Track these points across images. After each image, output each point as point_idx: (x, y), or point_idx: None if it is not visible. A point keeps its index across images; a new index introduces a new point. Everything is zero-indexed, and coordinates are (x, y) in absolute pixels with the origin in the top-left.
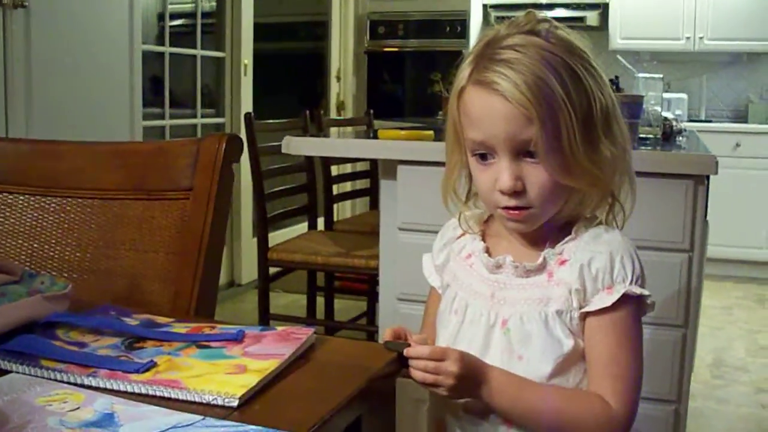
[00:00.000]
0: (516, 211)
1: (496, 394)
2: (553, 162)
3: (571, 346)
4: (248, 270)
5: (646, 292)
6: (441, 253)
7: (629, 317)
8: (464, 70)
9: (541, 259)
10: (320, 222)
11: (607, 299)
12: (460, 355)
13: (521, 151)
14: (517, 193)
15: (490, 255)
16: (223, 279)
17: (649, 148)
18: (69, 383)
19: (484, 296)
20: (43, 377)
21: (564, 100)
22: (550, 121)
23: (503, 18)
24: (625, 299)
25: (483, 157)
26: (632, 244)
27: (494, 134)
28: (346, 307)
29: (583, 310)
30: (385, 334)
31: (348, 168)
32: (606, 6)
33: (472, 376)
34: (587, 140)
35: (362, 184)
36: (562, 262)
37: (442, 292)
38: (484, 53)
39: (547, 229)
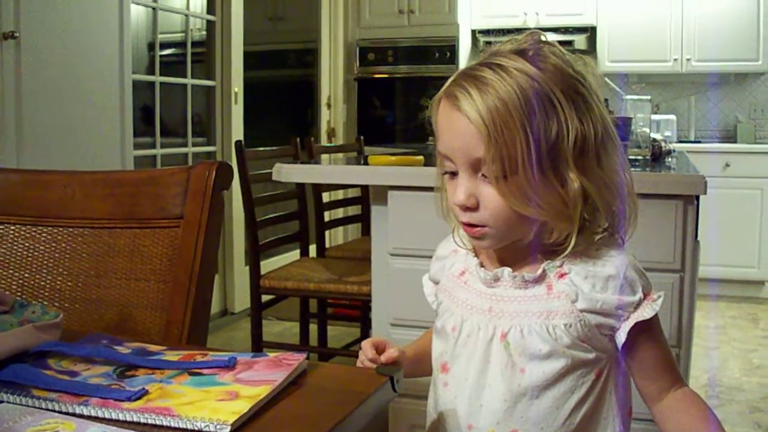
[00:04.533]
0: (470, 228)
1: None
2: (505, 188)
3: (574, 358)
4: (241, 298)
5: (655, 296)
6: (433, 268)
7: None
8: (449, 80)
9: (540, 271)
10: (312, 249)
11: (636, 314)
12: None
13: (478, 169)
14: (470, 209)
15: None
16: (216, 308)
17: (639, 169)
18: (60, 412)
19: (480, 310)
20: (35, 407)
21: (525, 127)
22: (505, 146)
23: (491, 43)
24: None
25: (453, 174)
26: (632, 257)
27: (452, 148)
28: (340, 334)
29: (621, 327)
30: (364, 347)
31: (339, 194)
32: (594, 30)
33: None
34: (551, 170)
35: (354, 210)
36: (562, 275)
37: (436, 308)
38: (469, 66)
39: (537, 247)
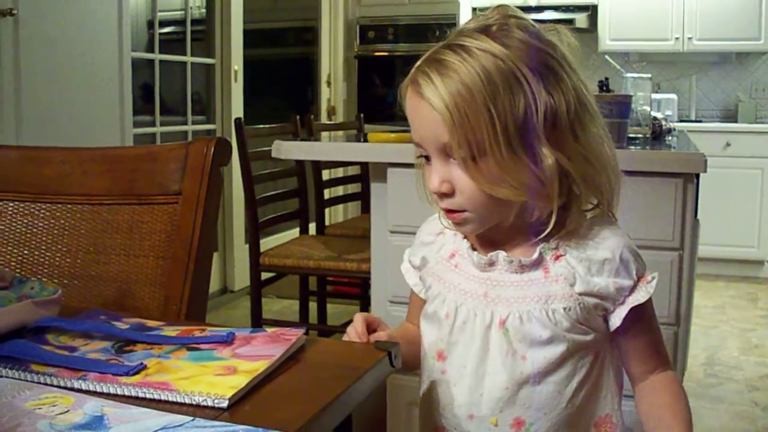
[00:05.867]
0: (451, 213)
1: None
2: (475, 171)
3: (574, 341)
4: (241, 276)
5: (649, 277)
6: (417, 254)
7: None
8: (415, 65)
9: (537, 254)
10: (312, 227)
11: (631, 299)
12: None
13: (449, 155)
14: (446, 195)
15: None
16: (215, 285)
17: (639, 147)
18: (59, 387)
19: (475, 296)
20: (33, 381)
21: (490, 109)
22: (471, 129)
23: None
24: (641, 291)
25: (428, 158)
26: (627, 234)
27: (421, 134)
28: (339, 312)
29: (615, 311)
30: (356, 319)
31: (339, 172)
32: (595, 8)
33: None
34: (522, 148)
35: (354, 188)
36: (558, 257)
37: (425, 294)
38: (434, 49)
39: (525, 227)
